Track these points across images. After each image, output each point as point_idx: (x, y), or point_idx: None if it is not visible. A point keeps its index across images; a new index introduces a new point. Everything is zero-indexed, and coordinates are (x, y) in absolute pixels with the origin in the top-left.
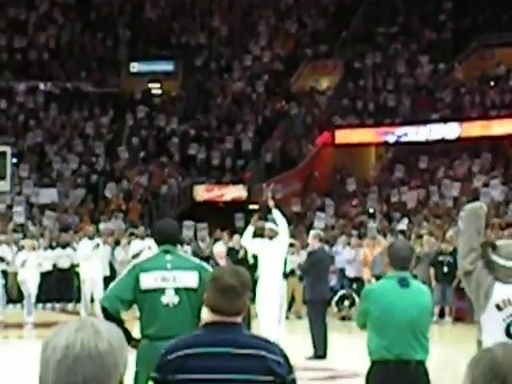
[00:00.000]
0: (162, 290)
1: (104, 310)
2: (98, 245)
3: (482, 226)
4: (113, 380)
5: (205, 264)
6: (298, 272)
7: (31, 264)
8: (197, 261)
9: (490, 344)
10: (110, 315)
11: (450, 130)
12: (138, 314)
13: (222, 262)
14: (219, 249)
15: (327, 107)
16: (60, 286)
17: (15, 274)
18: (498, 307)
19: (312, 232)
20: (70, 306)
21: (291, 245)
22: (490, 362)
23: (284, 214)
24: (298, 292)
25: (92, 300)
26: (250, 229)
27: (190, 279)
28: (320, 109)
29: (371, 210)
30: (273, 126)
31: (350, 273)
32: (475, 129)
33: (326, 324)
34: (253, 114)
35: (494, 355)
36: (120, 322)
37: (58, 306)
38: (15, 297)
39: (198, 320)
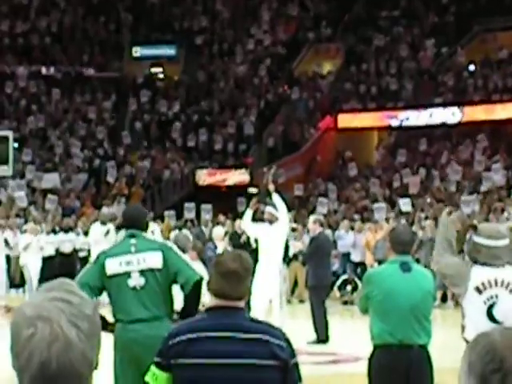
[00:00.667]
0: (127, 274)
1: None
2: (109, 230)
3: (450, 234)
4: (89, 378)
5: (169, 244)
6: (301, 257)
7: (33, 248)
8: (160, 241)
9: (473, 328)
10: None
11: (453, 114)
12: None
13: (221, 244)
14: (218, 232)
15: (329, 91)
16: (62, 271)
17: (18, 259)
18: (478, 290)
19: (312, 217)
20: None
21: (293, 229)
22: (486, 345)
23: (284, 199)
24: (301, 276)
25: None
26: (249, 212)
27: (154, 260)
28: (322, 93)
29: (374, 194)
30: (275, 110)
31: (356, 257)
32: (478, 113)
33: (325, 308)
34: (255, 98)
35: (492, 339)
36: None
37: None
38: (18, 281)
39: (169, 300)
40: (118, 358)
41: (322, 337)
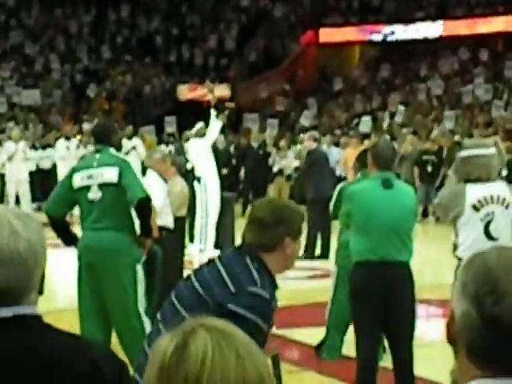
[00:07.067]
0: (88, 187)
1: (47, 214)
2: (77, 145)
3: None
4: (35, 277)
5: (128, 160)
6: (287, 171)
7: (18, 158)
8: (122, 157)
9: (469, 247)
10: (55, 219)
11: (435, 29)
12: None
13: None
14: None
15: (311, 5)
16: (43, 187)
17: (0, 175)
18: (475, 208)
19: (307, 134)
20: None
21: (278, 148)
22: (481, 265)
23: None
24: (285, 192)
25: None
26: (219, 124)
27: (111, 175)
28: (304, 7)
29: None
30: (256, 25)
31: (341, 172)
32: (460, 27)
33: (329, 221)
34: (236, 13)
35: (486, 259)
36: (66, 226)
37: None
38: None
39: (126, 214)
40: (77, 264)
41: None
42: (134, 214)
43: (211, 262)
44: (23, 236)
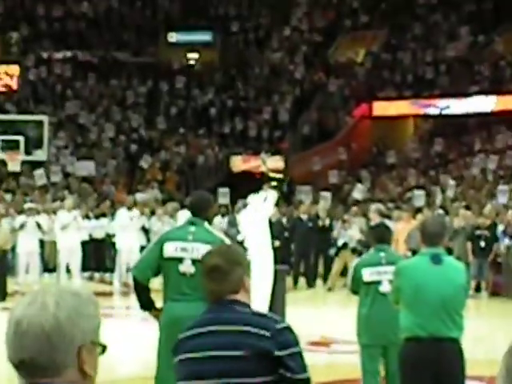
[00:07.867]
0: (180, 259)
1: (134, 279)
2: (134, 216)
3: None
4: (64, 354)
5: (226, 239)
6: (351, 245)
7: (71, 228)
8: (219, 235)
9: None
10: (140, 284)
11: (489, 103)
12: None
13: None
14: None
15: (365, 79)
16: (96, 256)
17: (52, 243)
18: None
19: (372, 207)
20: (108, 275)
21: (344, 221)
22: None
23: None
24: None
25: (128, 270)
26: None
27: None
28: (358, 80)
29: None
30: (310, 98)
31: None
32: None
33: None
34: (290, 85)
35: None
36: (148, 291)
37: (97, 275)
38: (51, 266)
39: None
40: (163, 336)
41: None
42: None
43: (204, 333)
44: (51, 312)
